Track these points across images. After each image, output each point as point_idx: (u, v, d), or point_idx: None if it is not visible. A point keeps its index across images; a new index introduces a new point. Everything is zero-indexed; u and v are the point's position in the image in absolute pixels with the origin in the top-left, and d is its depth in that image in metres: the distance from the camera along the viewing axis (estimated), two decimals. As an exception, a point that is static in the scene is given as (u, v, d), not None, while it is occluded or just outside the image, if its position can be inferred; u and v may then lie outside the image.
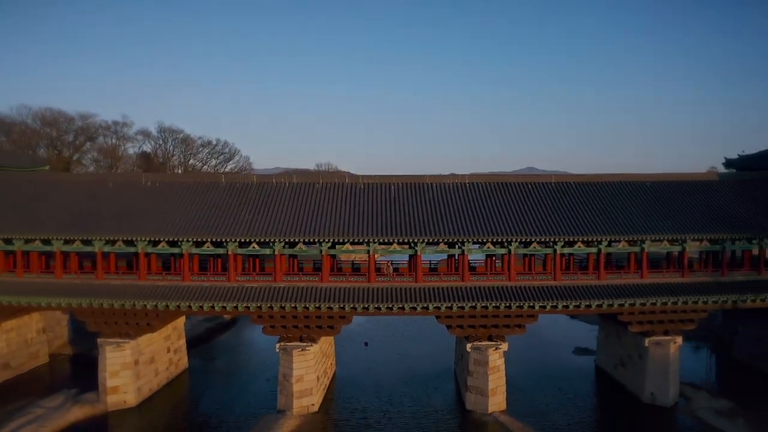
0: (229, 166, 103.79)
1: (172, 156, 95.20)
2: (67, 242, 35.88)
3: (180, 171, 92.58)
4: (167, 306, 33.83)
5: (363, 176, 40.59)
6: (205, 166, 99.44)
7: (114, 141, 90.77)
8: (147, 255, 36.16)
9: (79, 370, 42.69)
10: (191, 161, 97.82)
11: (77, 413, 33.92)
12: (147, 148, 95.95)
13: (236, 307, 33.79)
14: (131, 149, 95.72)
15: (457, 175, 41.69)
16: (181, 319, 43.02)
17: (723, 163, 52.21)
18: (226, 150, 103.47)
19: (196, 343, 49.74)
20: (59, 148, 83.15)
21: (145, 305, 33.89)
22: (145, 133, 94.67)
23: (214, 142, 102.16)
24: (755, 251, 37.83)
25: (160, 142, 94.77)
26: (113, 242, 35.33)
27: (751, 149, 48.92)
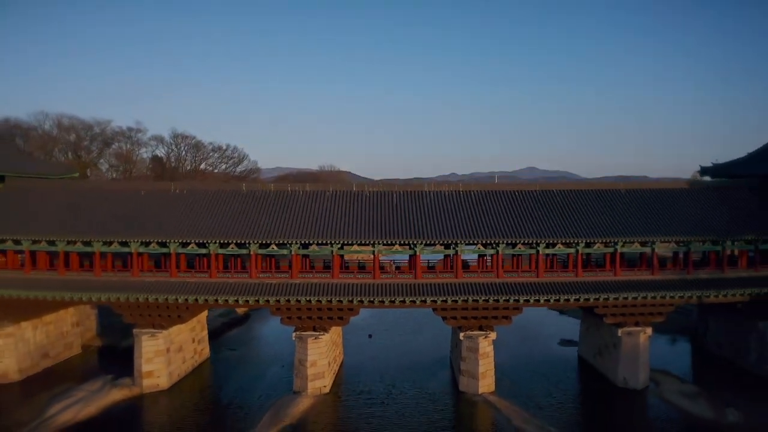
0: (238, 170, 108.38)
1: (185, 160, 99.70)
2: (105, 243, 40.36)
3: (191, 174, 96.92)
4: (197, 300, 38.33)
5: (368, 184, 45.20)
6: (215, 170, 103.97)
7: (128, 146, 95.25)
8: (177, 255, 40.63)
9: (110, 360, 47.23)
10: (202, 165, 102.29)
11: (116, 395, 38.24)
12: (160, 153, 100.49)
13: (257, 301, 38.33)
14: (145, 154, 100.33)
15: (452, 183, 46.37)
16: (204, 313, 47.51)
17: (698, 171, 56.63)
18: (236, 155, 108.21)
19: (213, 336, 53.74)
20: (78, 153, 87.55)
21: (177, 299, 38.42)
22: (158, 139, 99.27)
23: (224, 147, 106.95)
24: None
25: (173, 147, 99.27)
26: (148, 244, 39.84)
27: (751, 149, 52.25)
